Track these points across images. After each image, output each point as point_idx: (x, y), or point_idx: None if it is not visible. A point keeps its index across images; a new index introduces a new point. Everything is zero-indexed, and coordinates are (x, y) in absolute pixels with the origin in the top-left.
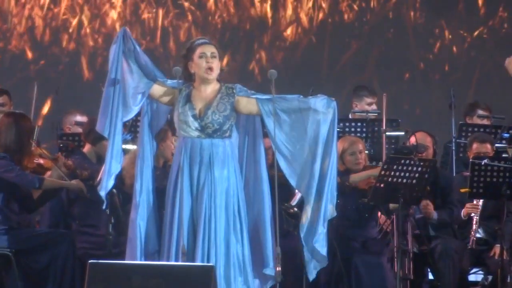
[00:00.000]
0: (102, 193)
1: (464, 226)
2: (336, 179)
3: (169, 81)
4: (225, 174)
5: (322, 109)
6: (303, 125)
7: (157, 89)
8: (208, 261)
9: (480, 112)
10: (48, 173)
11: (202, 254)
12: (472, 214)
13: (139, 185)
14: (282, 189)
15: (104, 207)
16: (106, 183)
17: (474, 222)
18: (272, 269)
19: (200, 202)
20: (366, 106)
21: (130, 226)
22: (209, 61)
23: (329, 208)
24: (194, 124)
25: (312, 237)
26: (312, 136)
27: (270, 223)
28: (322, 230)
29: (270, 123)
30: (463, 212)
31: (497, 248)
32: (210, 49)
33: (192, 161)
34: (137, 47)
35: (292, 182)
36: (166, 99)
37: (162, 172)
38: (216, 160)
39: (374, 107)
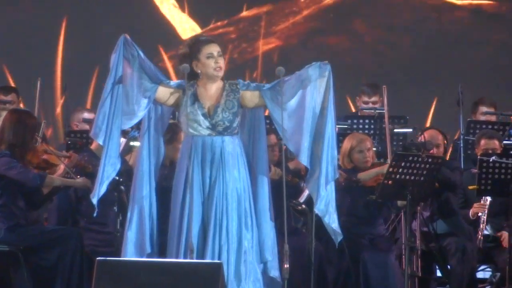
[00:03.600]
0: (94, 200)
1: (473, 227)
2: (336, 141)
3: (172, 82)
4: (236, 171)
5: (318, 75)
6: (304, 97)
7: (162, 92)
8: (219, 259)
9: (484, 109)
10: (62, 167)
11: (212, 252)
12: (480, 214)
13: (132, 196)
14: (290, 187)
15: (94, 214)
16: (99, 190)
17: (481, 221)
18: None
19: (211, 200)
20: (363, 104)
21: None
22: (218, 61)
23: (330, 169)
24: (205, 122)
25: (315, 203)
26: (312, 104)
27: (269, 216)
28: (324, 194)
29: (276, 112)
30: (471, 213)
31: (505, 234)
32: (216, 49)
33: (204, 159)
34: (141, 53)
35: (292, 148)
36: (172, 100)
37: (169, 171)
38: (227, 157)
39: (371, 106)
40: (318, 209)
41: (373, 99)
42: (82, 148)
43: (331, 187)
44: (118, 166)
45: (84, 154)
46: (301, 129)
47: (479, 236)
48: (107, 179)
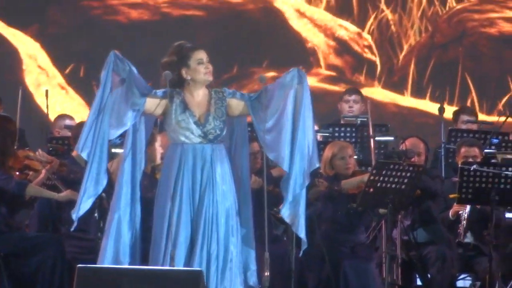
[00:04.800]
0: (74, 216)
1: (453, 228)
2: (310, 147)
3: (158, 92)
4: (225, 177)
5: (297, 82)
6: (285, 105)
7: (150, 103)
8: (208, 267)
9: (466, 117)
10: (43, 172)
11: (200, 260)
12: (460, 212)
13: (111, 206)
14: (271, 196)
15: (72, 229)
16: (79, 207)
17: (462, 218)
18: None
19: (200, 207)
20: (344, 103)
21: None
22: (208, 66)
23: (298, 179)
24: (197, 131)
25: (282, 207)
26: (291, 112)
27: (251, 223)
28: (289, 199)
29: (259, 122)
30: (451, 212)
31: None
32: (204, 55)
33: (195, 167)
34: (133, 68)
35: (272, 157)
36: (159, 110)
37: (149, 182)
38: (217, 164)
39: (352, 104)
40: (284, 214)
41: (354, 97)
42: (64, 155)
43: (302, 198)
44: (105, 182)
45: (66, 161)
46: (281, 138)
47: (461, 232)
48: (89, 197)
